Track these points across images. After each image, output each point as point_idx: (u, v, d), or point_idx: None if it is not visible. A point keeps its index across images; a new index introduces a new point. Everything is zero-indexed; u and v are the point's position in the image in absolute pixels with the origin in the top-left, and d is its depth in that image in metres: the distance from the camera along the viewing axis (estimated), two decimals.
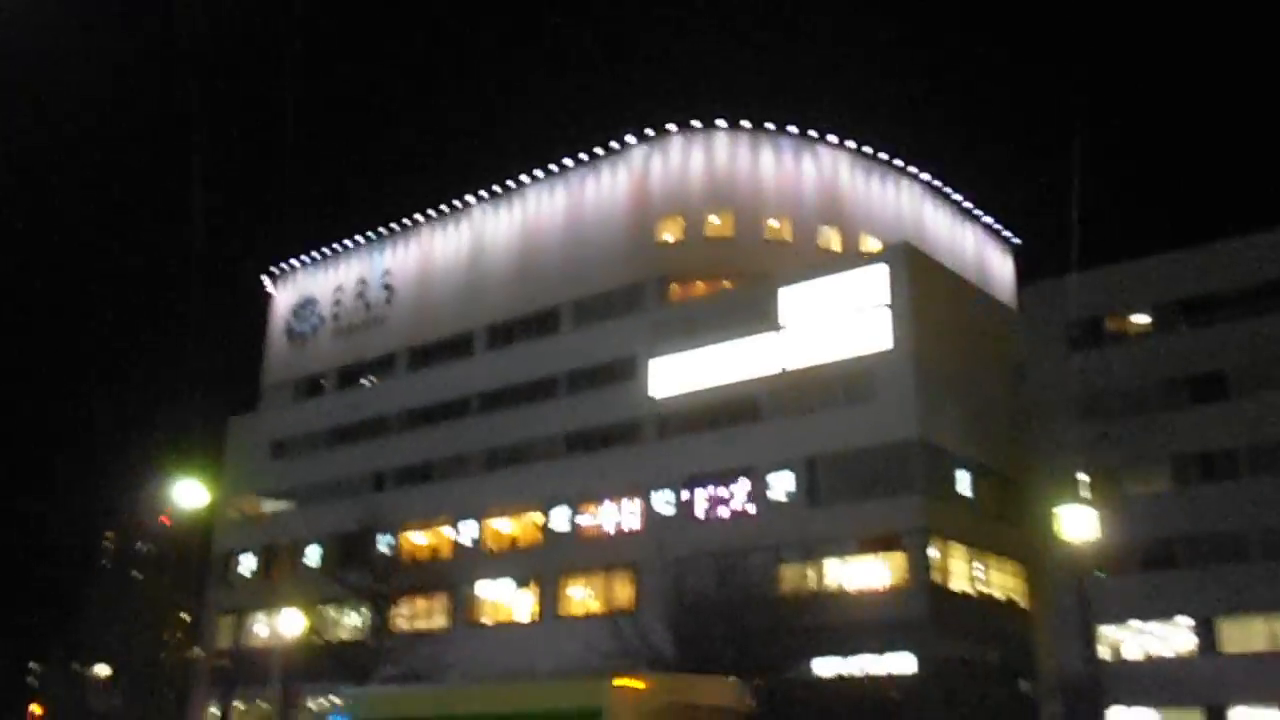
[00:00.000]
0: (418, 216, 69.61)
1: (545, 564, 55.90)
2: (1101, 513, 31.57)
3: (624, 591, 53.37)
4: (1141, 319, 47.06)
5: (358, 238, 72.99)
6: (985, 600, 48.70)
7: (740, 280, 55.95)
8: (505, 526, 60.29)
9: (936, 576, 45.82)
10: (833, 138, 59.55)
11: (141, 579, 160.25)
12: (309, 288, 75.56)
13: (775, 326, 51.45)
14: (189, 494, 25.93)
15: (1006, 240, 69.63)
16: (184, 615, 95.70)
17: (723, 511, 51.43)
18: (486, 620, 57.99)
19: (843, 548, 47.81)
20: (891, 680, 44.39)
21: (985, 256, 67.42)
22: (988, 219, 67.50)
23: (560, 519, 56.72)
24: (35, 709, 75.02)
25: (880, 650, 44.93)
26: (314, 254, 75.61)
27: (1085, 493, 44.62)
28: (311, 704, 55.93)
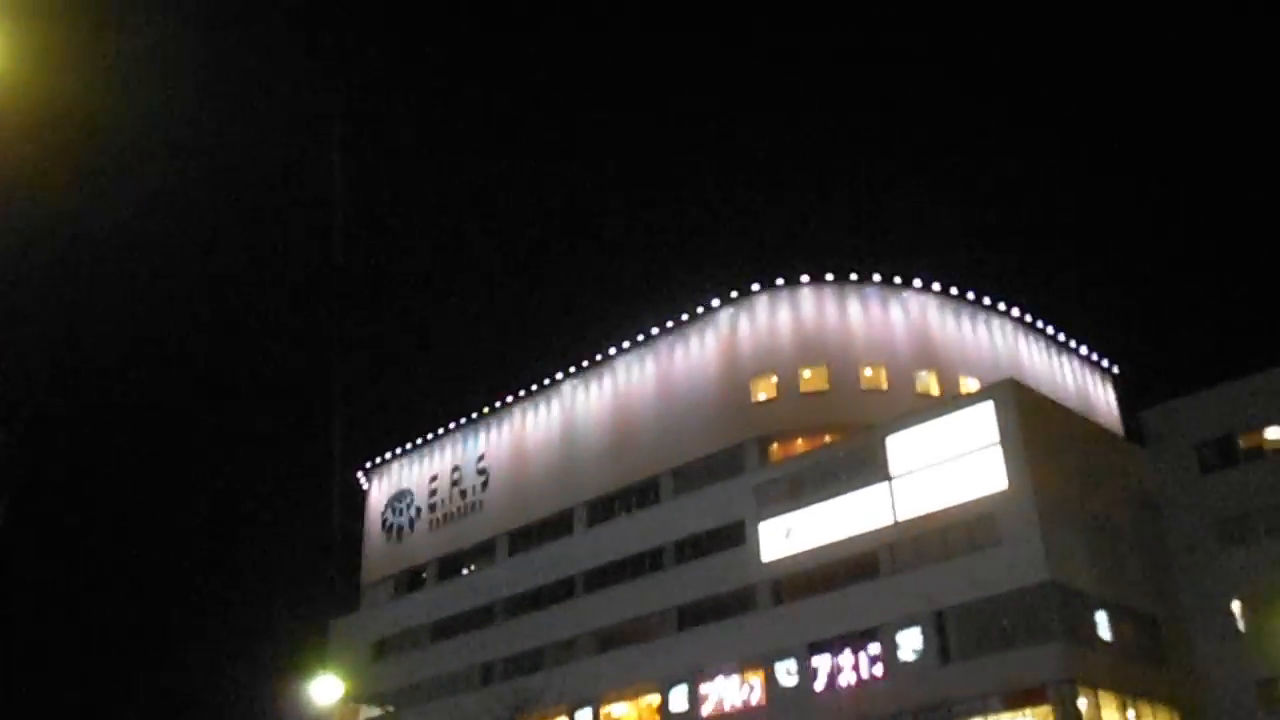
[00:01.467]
0: (508, 399, 69.69)
1: None
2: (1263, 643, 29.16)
3: None
4: (1278, 433, 44.74)
5: (450, 425, 73.12)
6: None
7: (840, 433, 54.65)
8: (623, 710, 58.06)
9: None
10: (918, 282, 58.91)
11: None
12: (403, 480, 75.54)
13: (885, 476, 49.88)
14: (325, 689, 24.92)
15: (1105, 369, 67.77)
16: None
17: (850, 678, 49.00)
18: None
19: (983, 706, 44.95)
20: None
21: (1085, 387, 65.55)
22: (1084, 349, 65.87)
23: (679, 699, 54.45)
24: None
25: None
26: (406, 445, 75.81)
27: (1241, 624, 41.89)
28: None
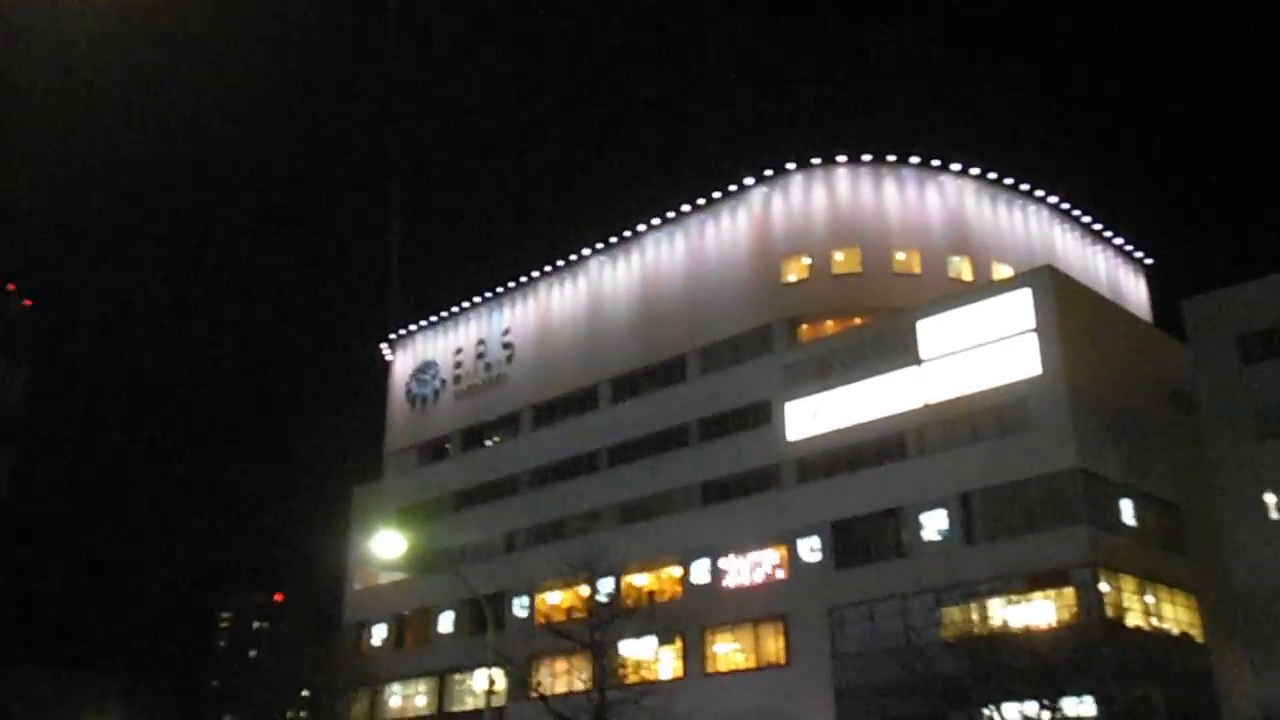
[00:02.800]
0: (534, 273, 69.34)
1: (687, 619, 54.33)
2: None
3: (774, 644, 51.65)
4: None
5: (475, 299, 72.94)
6: (1160, 635, 46.01)
7: (870, 316, 54.45)
8: (644, 580, 59.05)
9: (1110, 611, 43.41)
10: (956, 166, 57.99)
11: (258, 657, 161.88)
12: (428, 352, 75.67)
13: (915, 360, 49.85)
14: (387, 544, 25.21)
15: (1138, 260, 67.14)
16: (304, 692, 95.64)
17: (872, 555, 49.64)
18: (630, 678, 56.34)
19: (1006, 586, 45.58)
20: None
21: (1117, 277, 65.02)
22: (1119, 240, 65.14)
23: (700, 571, 55.31)
24: None
25: (1055, 692, 42.42)
26: (431, 318, 75.76)
27: (1273, 514, 42.13)
28: None
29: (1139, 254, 66.69)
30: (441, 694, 65.65)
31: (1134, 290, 66.12)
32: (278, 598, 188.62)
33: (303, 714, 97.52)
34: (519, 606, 63.32)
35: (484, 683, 64.62)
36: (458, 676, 65.40)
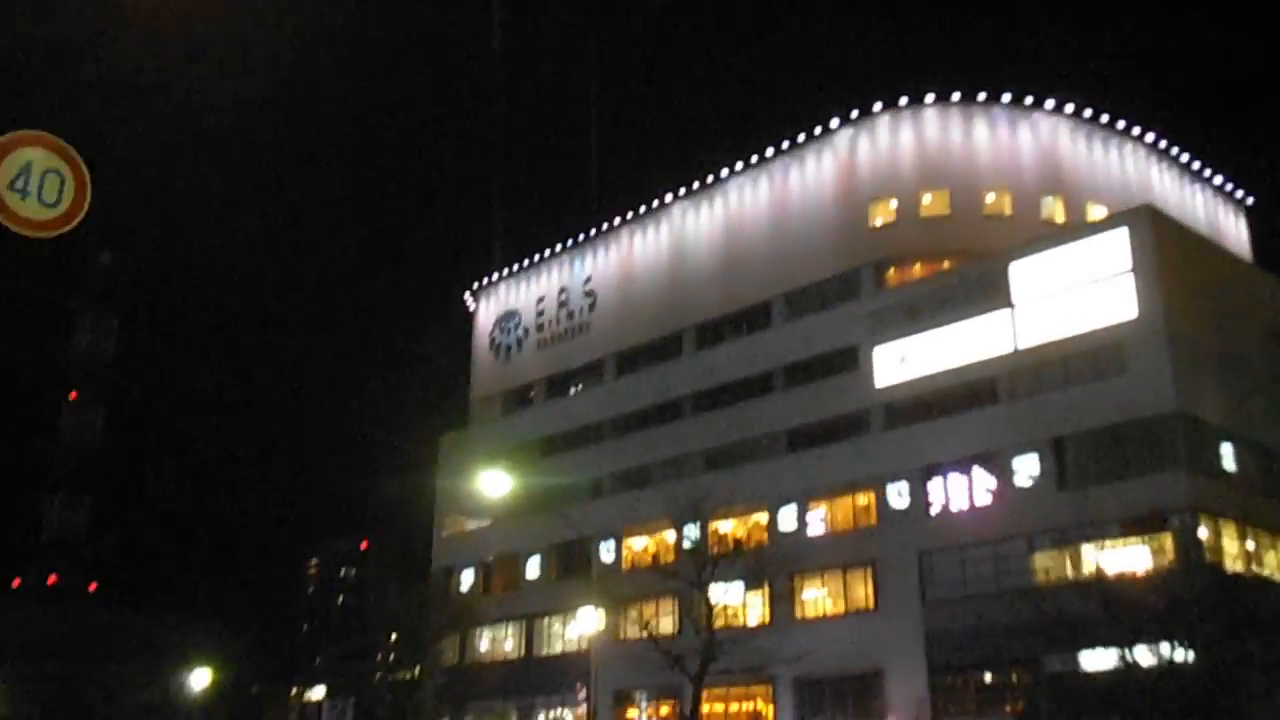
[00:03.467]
0: (616, 221, 69.20)
1: (775, 565, 54.33)
2: None
3: (863, 590, 51.55)
4: None
5: (556, 248, 73.08)
6: (1260, 582, 45.04)
7: (959, 259, 53.50)
8: (728, 527, 59.20)
9: (1209, 557, 42.58)
10: (1049, 104, 56.52)
11: (344, 602, 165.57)
12: (511, 301, 76.09)
13: (1007, 303, 48.98)
14: (495, 483, 25.61)
15: (1239, 200, 65.13)
16: (392, 636, 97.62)
17: (964, 501, 49.18)
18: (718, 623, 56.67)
19: (1101, 532, 44.91)
20: (1165, 672, 41.29)
21: (1216, 217, 63.16)
22: (1217, 178, 63.20)
23: (787, 518, 55.24)
24: None
25: (1150, 639, 41.78)
26: (514, 267, 76.10)
27: None
28: None
29: (1238, 193, 64.67)
30: (529, 637, 66.61)
31: (1233, 230, 64.24)
32: (363, 545, 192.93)
33: (391, 657, 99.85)
34: (605, 551, 63.86)
35: (572, 627, 65.74)
36: (545, 620, 66.30)
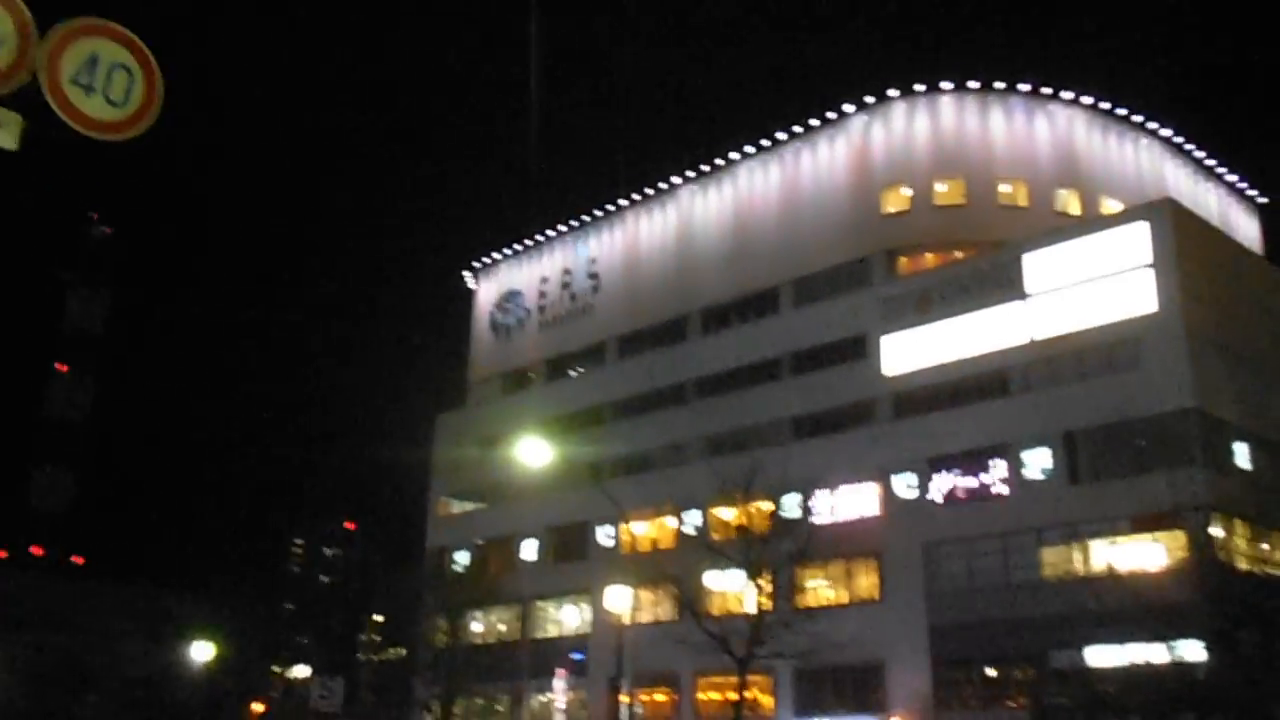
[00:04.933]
0: (623, 202, 68.38)
1: (777, 553, 53.68)
2: None
3: (867, 581, 50.97)
4: None
5: (561, 228, 72.24)
6: (1271, 582, 44.53)
7: (972, 249, 52.89)
8: (731, 514, 58.49)
9: (1221, 556, 42.05)
10: (1066, 95, 55.86)
11: (329, 582, 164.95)
12: (512, 280, 75.24)
13: (1021, 295, 48.38)
14: (534, 451, 24.92)
15: (1251, 199, 64.63)
16: (377, 617, 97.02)
17: (972, 493, 48.61)
18: (714, 611, 56.08)
19: (1111, 527, 44.40)
20: (1175, 670, 40.84)
21: (1230, 216, 62.65)
22: (1231, 177, 62.67)
23: (791, 506, 54.55)
24: (257, 707, 76.24)
25: (1159, 637, 41.29)
26: (516, 246, 75.23)
27: None
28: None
29: (1252, 191, 64.17)
30: (525, 620, 65.95)
31: (1246, 229, 63.73)
32: (349, 525, 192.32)
33: (375, 637, 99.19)
34: (604, 536, 63.20)
35: (568, 610, 65.17)
36: (540, 603, 65.67)
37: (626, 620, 34.69)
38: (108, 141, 7.13)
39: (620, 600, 31.78)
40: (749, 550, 43.84)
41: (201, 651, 53.53)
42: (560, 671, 55.58)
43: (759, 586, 43.37)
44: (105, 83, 7.12)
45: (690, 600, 53.21)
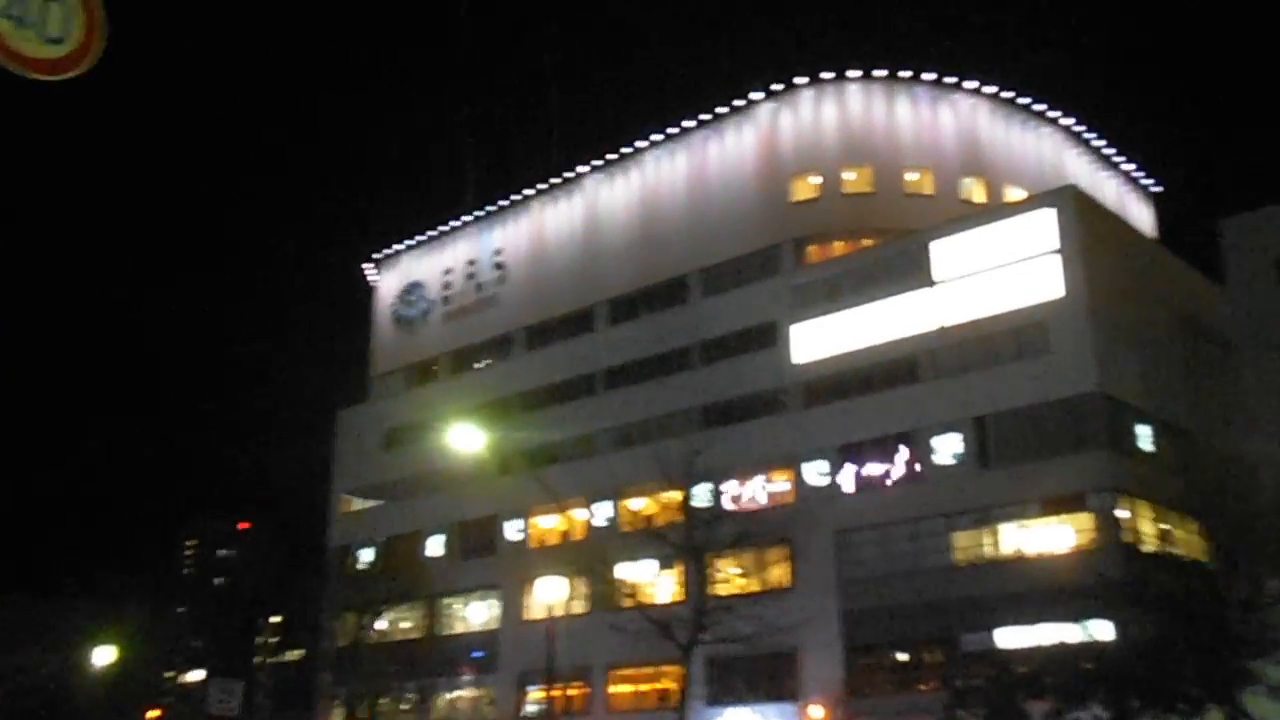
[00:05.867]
0: (528, 191, 67.34)
1: (707, 540, 53.28)
2: None
3: (779, 569, 50.83)
4: None
5: (464, 218, 70.92)
6: (1174, 561, 45.44)
7: (880, 237, 53.11)
8: (641, 504, 58.08)
9: (1127, 537, 42.83)
10: (970, 84, 56.43)
11: (223, 584, 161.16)
12: (415, 272, 73.70)
13: (929, 282, 48.68)
14: (465, 439, 24.28)
15: (1145, 188, 66.10)
16: (275, 618, 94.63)
17: (882, 480, 48.76)
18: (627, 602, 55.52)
19: (1021, 511, 44.91)
20: (1085, 649, 41.40)
21: (1126, 204, 63.95)
22: (1129, 165, 64.00)
23: (702, 495, 54.15)
24: (153, 713, 73.75)
25: (1069, 618, 41.82)
26: (419, 237, 73.68)
27: None
28: None
29: (1147, 180, 65.63)
30: (431, 617, 64.67)
31: (1140, 217, 65.12)
32: (242, 525, 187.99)
33: (273, 639, 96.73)
34: (513, 530, 62.25)
35: (475, 608, 64.06)
36: (447, 600, 64.46)
37: (558, 613, 33.62)
38: (45, 82, 6.30)
39: (549, 592, 30.89)
40: (689, 537, 43.37)
41: (102, 656, 51.36)
42: (463, 668, 54.60)
43: (702, 573, 42.93)
44: (40, 15, 6.26)
45: (604, 593, 52.80)
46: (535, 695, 58.87)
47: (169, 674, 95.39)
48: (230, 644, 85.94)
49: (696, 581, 42.06)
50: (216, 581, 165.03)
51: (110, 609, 78.37)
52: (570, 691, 57.95)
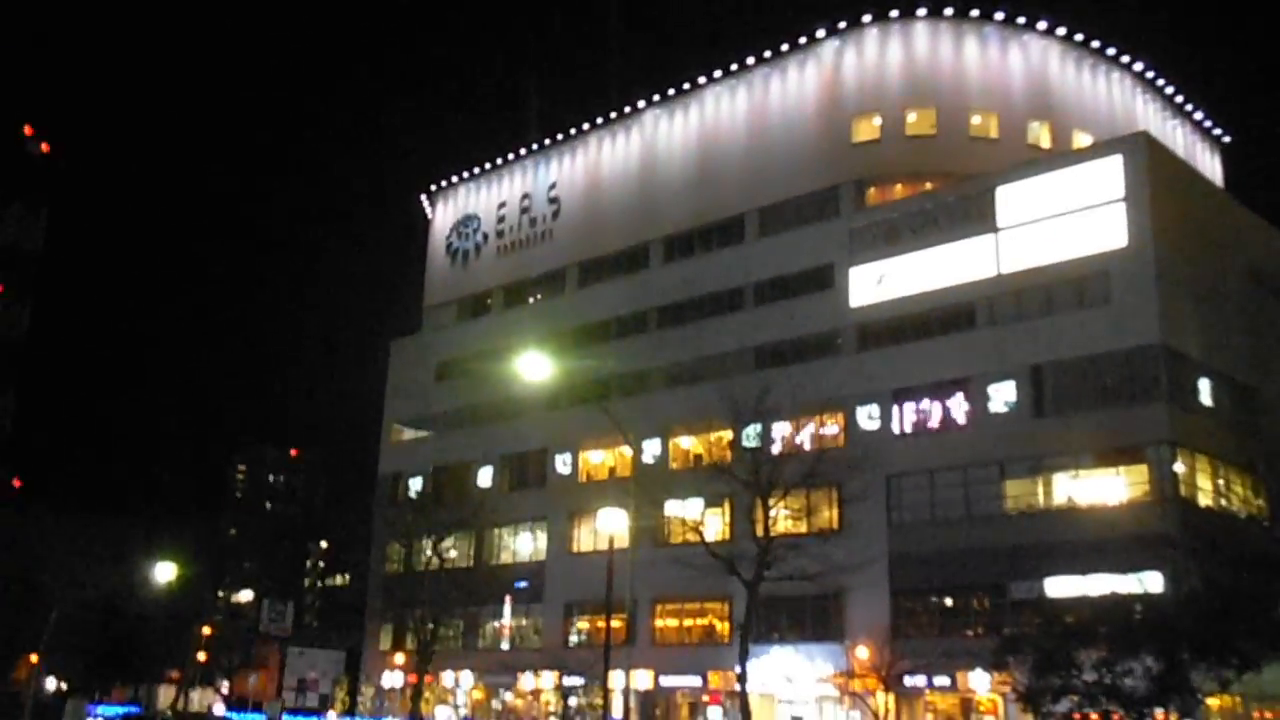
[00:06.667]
0: (584, 126, 66.90)
1: (737, 483, 53.37)
2: None
3: (828, 511, 50.84)
4: None
5: (520, 151, 70.66)
6: (1230, 516, 45.04)
7: (942, 180, 52.29)
8: (690, 443, 58.32)
9: (1184, 490, 42.40)
10: (1041, 25, 55.10)
11: (273, 509, 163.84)
12: (470, 205, 73.70)
13: (992, 228, 48.01)
14: (533, 367, 24.54)
15: (1216, 137, 64.57)
16: (323, 544, 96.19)
17: (935, 426, 48.50)
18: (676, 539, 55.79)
19: (1075, 461, 44.54)
20: (1137, 601, 41.17)
21: (1195, 153, 62.53)
22: (1198, 114, 62.46)
23: (752, 435, 54.16)
24: (205, 629, 75.35)
25: (1122, 569, 41.55)
26: (474, 170, 73.55)
27: None
28: None
29: (1217, 130, 64.08)
30: (479, 546, 65.42)
31: (1209, 166, 63.68)
32: (294, 452, 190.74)
33: (321, 563, 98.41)
34: (561, 463, 62.69)
35: (521, 539, 64.75)
36: (495, 530, 65.14)
37: (626, 544, 34.00)
38: None
39: (608, 522, 31.17)
40: (755, 475, 43.46)
41: (163, 572, 52.65)
42: (506, 596, 55.23)
43: (765, 512, 43.10)
44: None
45: (651, 529, 53.00)
46: (580, 625, 59.65)
47: (220, 593, 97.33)
48: (281, 566, 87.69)
49: (761, 520, 42.05)
50: (269, 506, 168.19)
51: (166, 530, 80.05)
52: (615, 623, 58.68)
